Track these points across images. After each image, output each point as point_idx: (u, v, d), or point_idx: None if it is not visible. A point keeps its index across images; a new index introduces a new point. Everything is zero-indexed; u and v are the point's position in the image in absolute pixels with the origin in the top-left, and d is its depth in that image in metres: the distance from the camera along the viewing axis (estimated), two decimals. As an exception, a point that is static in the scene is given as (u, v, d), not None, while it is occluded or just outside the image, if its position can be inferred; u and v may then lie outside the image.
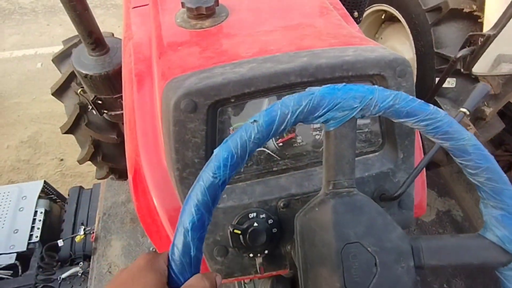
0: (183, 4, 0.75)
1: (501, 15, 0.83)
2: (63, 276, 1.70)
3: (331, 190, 0.46)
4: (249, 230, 0.57)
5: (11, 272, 1.79)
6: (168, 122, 0.55)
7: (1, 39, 3.75)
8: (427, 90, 1.42)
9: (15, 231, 1.87)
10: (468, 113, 0.56)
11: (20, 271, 1.78)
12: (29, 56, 3.59)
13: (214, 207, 0.38)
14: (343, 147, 0.45)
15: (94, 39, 0.99)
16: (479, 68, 1.00)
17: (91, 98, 1.14)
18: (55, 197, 2.17)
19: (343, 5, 1.11)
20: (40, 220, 1.92)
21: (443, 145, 0.45)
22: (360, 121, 0.65)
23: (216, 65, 0.58)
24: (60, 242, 1.79)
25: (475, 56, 0.94)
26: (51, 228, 1.97)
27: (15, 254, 1.78)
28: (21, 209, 1.97)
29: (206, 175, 0.38)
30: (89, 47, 1.01)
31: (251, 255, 0.60)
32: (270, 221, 0.60)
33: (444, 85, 1.28)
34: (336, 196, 0.45)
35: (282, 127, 0.40)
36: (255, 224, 0.58)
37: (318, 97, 0.41)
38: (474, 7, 1.28)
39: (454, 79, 1.28)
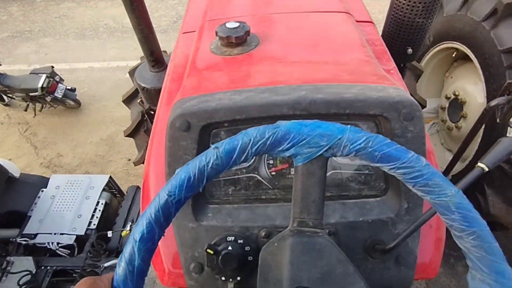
0: (216, 33, 0.81)
1: None
2: (106, 265, 1.82)
3: (295, 227, 0.44)
4: (222, 253, 0.56)
5: (69, 251, 2.00)
6: (166, 138, 0.58)
7: (104, 51, 4.44)
8: (496, 138, 1.25)
9: (79, 216, 2.06)
10: (486, 169, 0.48)
11: (76, 252, 1.98)
12: (121, 67, 4.15)
13: (167, 223, 0.39)
14: (310, 184, 0.42)
15: (155, 57, 1.12)
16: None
17: (146, 109, 1.28)
18: (116, 192, 2.37)
19: (396, 41, 1.06)
20: (100, 210, 2.09)
21: (425, 199, 0.40)
22: (360, 161, 0.60)
23: (220, 91, 0.60)
24: (109, 233, 1.94)
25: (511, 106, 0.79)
26: (107, 219, 2.12)
27: (75, 236, 1.95)
28: (88, 197, 2.17)
29: (163, 193, 0.39)
30: (150, 64, 1.15)
31: (223, 278, 0.59)
32: (247, 248, 0.58)
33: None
34: (296, 235, 0.43)
35: (244, 156, 0.40)
36: (230, 248, 0.57)
37: (283, 131, 0.40)
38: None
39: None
